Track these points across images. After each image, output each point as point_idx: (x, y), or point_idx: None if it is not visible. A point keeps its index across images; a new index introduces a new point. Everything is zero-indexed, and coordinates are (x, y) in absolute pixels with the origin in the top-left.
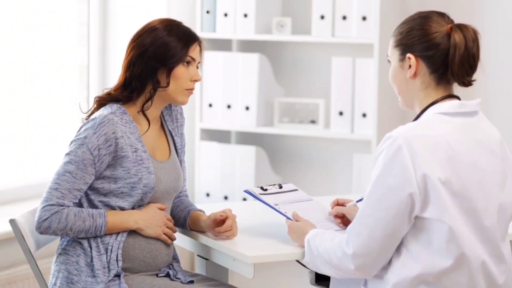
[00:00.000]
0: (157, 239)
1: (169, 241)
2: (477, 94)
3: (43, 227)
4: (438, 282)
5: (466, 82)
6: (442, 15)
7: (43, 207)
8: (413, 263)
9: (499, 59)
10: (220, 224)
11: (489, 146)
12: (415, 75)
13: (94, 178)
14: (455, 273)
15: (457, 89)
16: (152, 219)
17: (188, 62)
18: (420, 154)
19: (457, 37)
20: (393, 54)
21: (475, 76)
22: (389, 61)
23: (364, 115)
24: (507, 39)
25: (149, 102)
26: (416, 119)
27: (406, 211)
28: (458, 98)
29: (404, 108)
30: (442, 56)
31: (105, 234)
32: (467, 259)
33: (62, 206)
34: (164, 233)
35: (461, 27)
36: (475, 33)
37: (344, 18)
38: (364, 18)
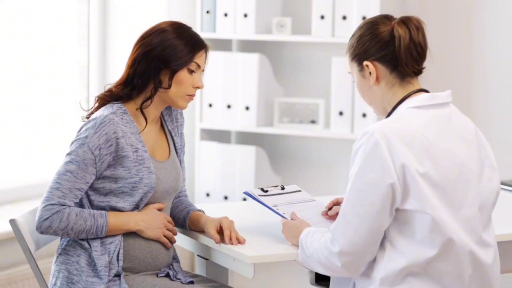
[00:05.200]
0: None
1: (169, 244)
2: (477, 94)
3: (44, 227)
4: (425, 272)
5: (416, 71)
6: (387, 16)
7: (44, 207)
8: (399, 256)
9: (499, 58)
10: (221, 232)
11: (464, 136)
12: (377, 79)
13: (95, 177)
14: (441, 262)
15: (455, 88)
16: (153, 220)
17: (192, 68)
18: (397, 147)
19: (400, 29)
20: (352, 67)
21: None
22: (352, 76)
23: (364, 115)
24: (508, 38)
25: (149, 101)
26: (388, 116)
27: (388, 204)
28: (427, 91)
29: (379, 116)
30: (395, 52)
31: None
32: (454, 246)
33: (63, 205)
34: (165, 235)
35: (404, 20)
36: (418, 22)
37: (344, 18)
38: (364, 18)
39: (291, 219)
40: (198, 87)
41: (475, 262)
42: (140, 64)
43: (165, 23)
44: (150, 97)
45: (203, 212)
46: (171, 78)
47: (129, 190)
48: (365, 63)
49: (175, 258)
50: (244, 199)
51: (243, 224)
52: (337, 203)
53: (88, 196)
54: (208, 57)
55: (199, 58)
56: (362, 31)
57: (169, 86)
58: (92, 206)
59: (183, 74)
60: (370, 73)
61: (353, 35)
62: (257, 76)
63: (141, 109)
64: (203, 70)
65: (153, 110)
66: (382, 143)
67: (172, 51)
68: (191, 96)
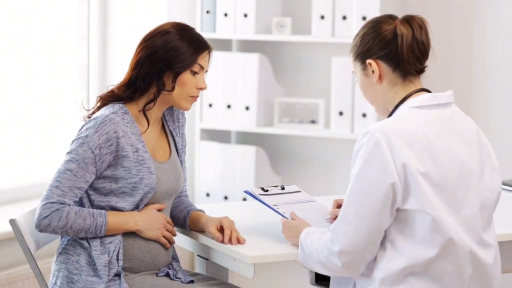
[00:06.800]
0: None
1: (168, 245)
2: (477, 94)
3: (43, 225)
4: (425, 272)
5: (418, 69)
6: (390, 16)
7: (43, 205)
8: (399, 256)
9: (499, 58)
10: (222, 231)
11: (465, 136)
12: (380, 78)
13: (94, 177)
14: (441, 262)
15: (455, 88)
16: (152, 221)
17: (196, 70)
18: (398, 146)
19: (403, 27)
20: (356, 67)
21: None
22: (355, 76)
23: (364, 115)
24: (508, 38)
25: (152, 104)
26: (390, 115)
27: (388, 204)
28: (429, 91)
29: (381, 115)
30: (397, 50)
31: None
32: (455, 246)
33: (63, 204)
34: (164, 236)
35: (407, 19)
36: (422, 21)
37: (344, 18)
38: (364, 18)
39: (291, 219)
40: (201, 89)
41: (476, 262)
42: (143, 66)
43: (168, 24)
44: (153, 100)
45: (204, 212)
46: (174, 80)
47: (129, 190)
48: (368, 61)
49: (174, 258)
50: (244, 199)
51: (243, 224)
52: (339, 206)
53: (88, 195)
54: (212, 58)
55: (202, 60)
56: (365, 30)
57: (173, 89)
58: (92, 205)
59: (186, 76)
60: (373, 71)
61: (356, 34)
62: (257, 76)
63: (144, 111)
64: (206, 71)
65: (155, 111)
66: (383, 143)
67: (175, 53)
68: (195, 97)
